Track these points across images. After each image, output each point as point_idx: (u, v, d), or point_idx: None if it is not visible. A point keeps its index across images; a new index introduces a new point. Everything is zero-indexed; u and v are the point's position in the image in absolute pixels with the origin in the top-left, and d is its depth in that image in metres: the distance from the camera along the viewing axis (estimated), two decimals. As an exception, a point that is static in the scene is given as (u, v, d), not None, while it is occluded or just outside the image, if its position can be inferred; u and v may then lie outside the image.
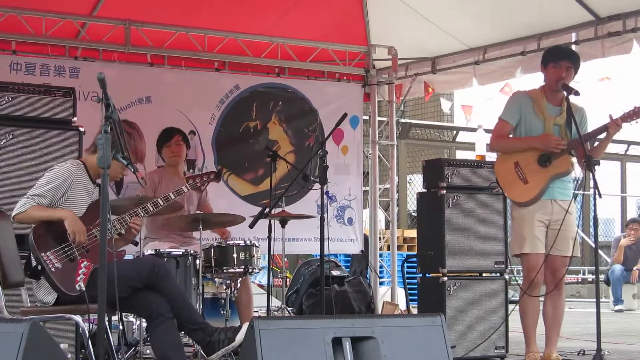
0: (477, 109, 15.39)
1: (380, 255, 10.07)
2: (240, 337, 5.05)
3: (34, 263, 4.92)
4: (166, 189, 6.83)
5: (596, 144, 6.25)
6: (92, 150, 5.25)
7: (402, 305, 9.02)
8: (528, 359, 6.17)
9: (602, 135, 6.15)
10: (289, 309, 8.15)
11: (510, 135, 6.29)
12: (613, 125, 6.01)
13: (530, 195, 6.10)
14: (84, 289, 4.84)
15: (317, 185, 6.30)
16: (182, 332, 5.27)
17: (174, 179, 7.14)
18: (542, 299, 6.22)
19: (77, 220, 4.98)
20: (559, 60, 6.16)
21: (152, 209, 5.36)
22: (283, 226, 7.25)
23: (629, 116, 6.01)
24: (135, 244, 5.94)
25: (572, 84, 6.18)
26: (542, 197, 6.09)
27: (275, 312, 7.81)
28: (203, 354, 5.72)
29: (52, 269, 4.88)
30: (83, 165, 5.22)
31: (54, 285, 4.88)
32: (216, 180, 6.09)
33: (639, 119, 6.01)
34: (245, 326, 5.09)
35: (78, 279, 4.88)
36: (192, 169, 8.47)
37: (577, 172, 6.25)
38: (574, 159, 6.21)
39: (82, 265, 4.94)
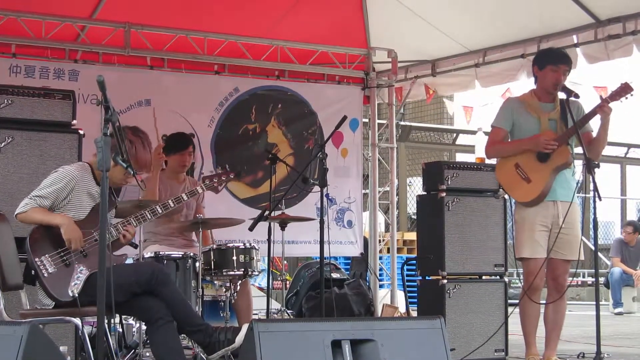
0: (475, 113, 15.40)
1: (380, 258, 10.08)
2: (240, 338, 5.04)
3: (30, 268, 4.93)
4: (165, 193, 6.83)
5: (595, 134, 6.17)
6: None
7: (402, 308, 9.02)
8: None
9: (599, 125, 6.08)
10: (288, 311, 8.16)
11: (509, 140, 6.29)
12: (602, 107, 5.92)
13: (536, 193, 6.06)
14: (76, 295, 4.81)
15: (316, 188, 6.30)
16: (183, 335, 5.27)
17: (173, 184, 7.13)
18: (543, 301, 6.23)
19: (74, 227, 4.96)
20: (558, 63, 6.12)
21: (161, 211, 5.34)
22: (283, 229, 7.25)
23: (617, 94, 5.91)
24: (135, 246, 5.93)
25: (576, 86, 6.17)
26: (546, 198, 6.07)
27: (275, 315, 7.81)
28: (203, 356, 5.72)
29: (45, 274, 4.86)
30: (90, 167, 5.21)
31: (46, 290, 4.86)
32: (236, 179, 6.04)
33: (627, 95, 5.90)
34: (245, 327, 5.08)
35: (72, 284, 4.86)
36: (191, 172, 8.45)
37: (578, 174, 6.23)
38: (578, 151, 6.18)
39: (78, 270, 4.93)
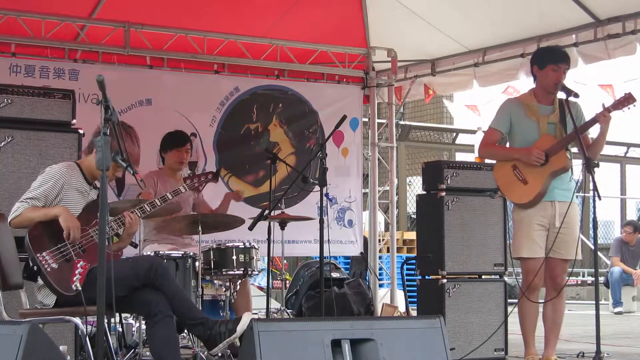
0: (480, 110, 15.42)
1: (380, 258, 10.08)
2: (241, 328, 5.02)
3: (30, 264, 4.93)
4: (164, 191, 6.83)
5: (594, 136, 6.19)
6: (87, 152, 5.27)
7: (402, 308, 9.02)
8: None
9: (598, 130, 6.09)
10: (288, 311, 8.16)
11: (507, 144, 6.29)
12: (602, 116, 5.93)
13: (532, 195, 6.06)
14: (80, 288, 4.84)
15: (317, 187, 6.30)
16: (183, 332, 5.26)
17: (170, 181, 7.14)
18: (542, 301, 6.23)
19: (71, 216, 4.98)
20: (559, 62, 6.10)
21: (149, 209, 5.35)
22: (282, 228, 7.25)
23: (620, 103, 5.92)
24: (135, 246, 5.93)
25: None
26: (543, 198, 6.08)
27: (275, 314, 7.81)
28: (203, 356, 5.72)
29: (48, 269, 4.88)
30: (77, 166, 5.23)
31: (50, 285, 4.88)
32: (214, 180, 6.09)
33: (630, 105, 5.92)
34: (245, 317, 5.09)
35: (74, 279, 4.88)
36: (194, 171, 8.46)
37: (577, 173, 6.23)
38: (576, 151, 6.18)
39: (78, 265, 4.94)
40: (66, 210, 5.01)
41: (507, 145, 6.36)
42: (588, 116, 6.14)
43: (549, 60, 6.15)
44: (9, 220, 5.03)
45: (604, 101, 6.03)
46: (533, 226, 6.07)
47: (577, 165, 6.21)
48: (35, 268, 4.89)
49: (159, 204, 5.41)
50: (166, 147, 7.35)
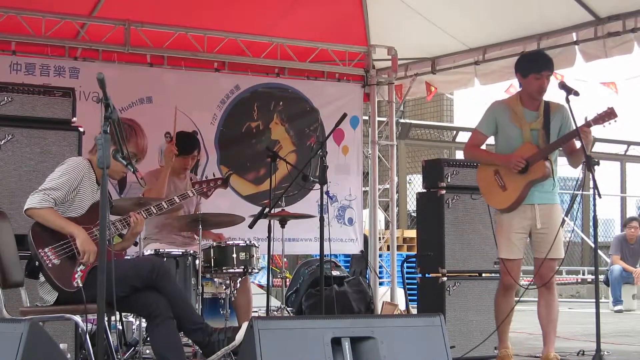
0: (477, 110, 15.41)
1: (380, 256, 10.08)
2: (239, 336, 5.04)
3: (33, 260, 4.93)
4: (168, 191, 6.82)
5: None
6: (95, 151, 5.27)
7: (402, 306, 9.02)
8: (500, 355, 6.34)
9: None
10: (288, 309, 8.16)
11: (500, 145, 6.29)
12: (582, 130, 5.93)
13: (509, 202, 6.12)
14: (80, 285, 4.84)
15: (317, 185, 6.30)
16: (182, 333, 5.27)
17: (173, 180, 7.13)
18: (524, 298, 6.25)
19: (89, 239, 4.95)
20: (541, 70, 6.07)
21: (155, 211, 5.35)
22: (283, 226, 7.25)
23: (601, 118, 5.92)
24: (135, 244, 5.93)
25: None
26: (524, 201, 6.11)
27: (275, 312, 7.81)
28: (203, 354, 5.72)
29: (49, 265, 4.88)
30: (90, 164, 5.23)
31: (50, 280, 4.88)
32: (223, 186, 6.10)
33: (611, 120, 5.92)
34: (244, 325, 5.09)
35: (76, 276, 4.89)
36: (195, 169, 8.44)
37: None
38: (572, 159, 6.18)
39: (80, 262, 4.94)
40: (84, 232, 4.97)
41: (494, 145, 6.39)
42: (589, 113, 6.14)
43: (530, 69, 6.13)
44: (26, 207, 4.97)
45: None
46: (512, 229, 6.15)
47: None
48: (36, 263, 4.89)
49: (166, 206, 5.41)
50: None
